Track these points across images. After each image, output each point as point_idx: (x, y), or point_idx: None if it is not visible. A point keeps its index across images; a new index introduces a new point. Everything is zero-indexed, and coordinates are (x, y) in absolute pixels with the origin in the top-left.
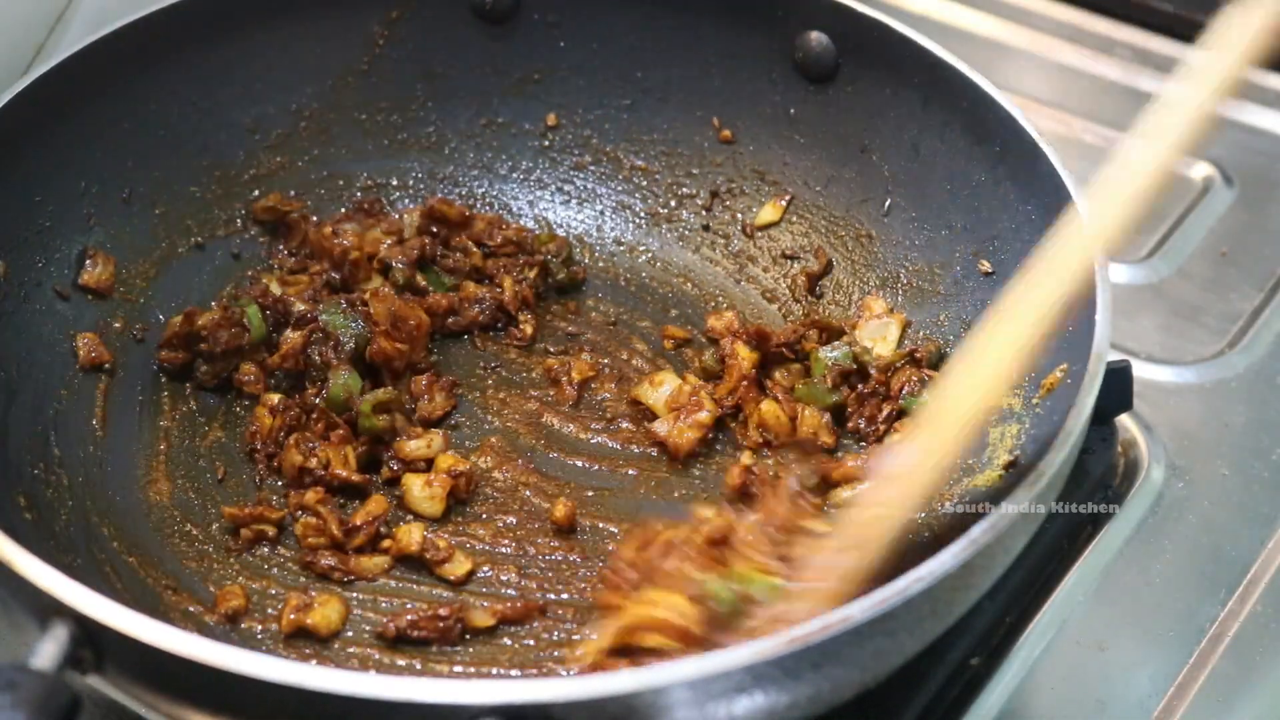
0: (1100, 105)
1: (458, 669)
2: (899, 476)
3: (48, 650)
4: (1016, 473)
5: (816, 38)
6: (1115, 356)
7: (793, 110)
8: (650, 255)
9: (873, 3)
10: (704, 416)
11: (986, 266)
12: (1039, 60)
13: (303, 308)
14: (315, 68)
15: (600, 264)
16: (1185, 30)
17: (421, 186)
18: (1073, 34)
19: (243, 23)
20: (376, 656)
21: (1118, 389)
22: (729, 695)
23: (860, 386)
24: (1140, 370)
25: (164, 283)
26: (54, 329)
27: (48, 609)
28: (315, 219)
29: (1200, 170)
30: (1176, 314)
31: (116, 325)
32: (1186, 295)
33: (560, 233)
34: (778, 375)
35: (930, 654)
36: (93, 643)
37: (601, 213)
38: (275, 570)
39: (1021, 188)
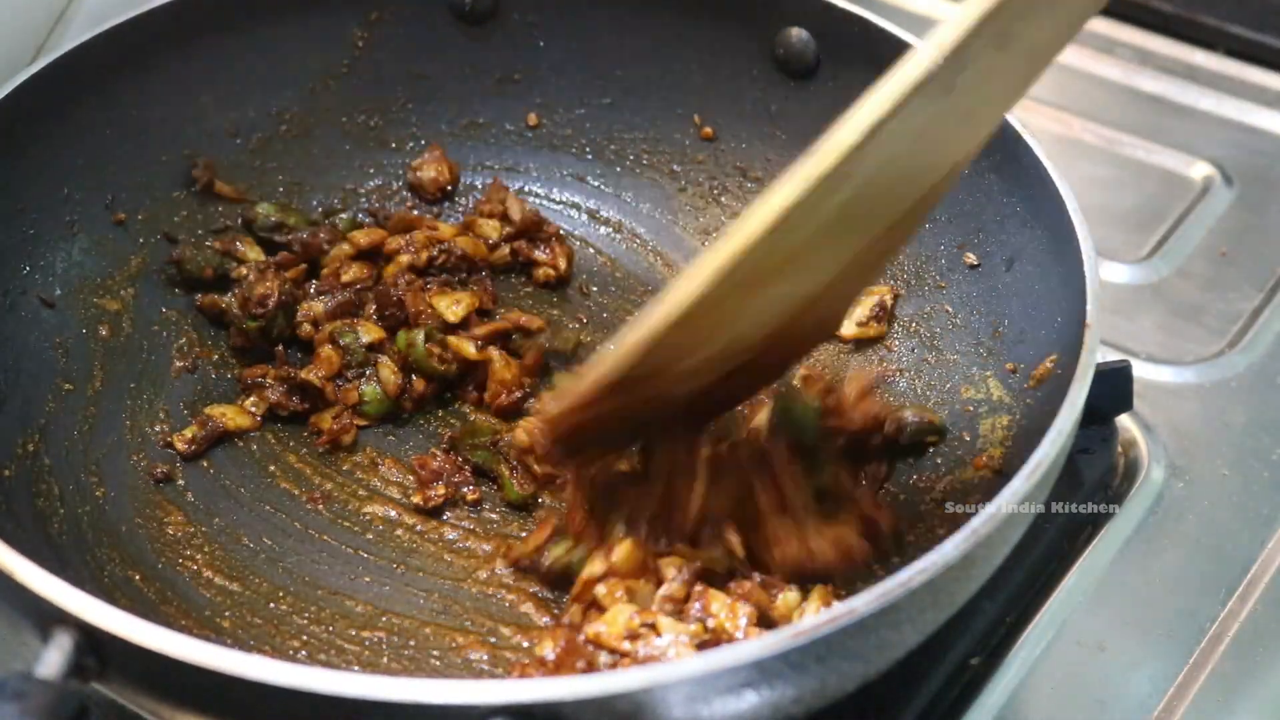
0: (1100, 105)
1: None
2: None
3: (53, 659)
4: (1012, 465)
5: (797, 34)
6: (1115, 356)
7: (774, 107)
8: (634, 252)
9: (870, 3)
10: None
11: (972, 259)
12: None
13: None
14: (295, 70)
15: (586, 261)
16: (1185, 30)
17: (404, 188)
18: None
19: (222, 27)
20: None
21: (1117, 389)
22: (736, 690)
23: None
24: (1140, 370)
25: (147, 288)
26: (40, 337)
27: (50, 618)
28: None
29: (1200, 170)
30: (1176, 314)
31: (103, 333)
32: (1186, 295)
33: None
34: None
35: (930, 654)
36: (96, 650)
37: (583, 211)
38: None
39: (1005, 179)
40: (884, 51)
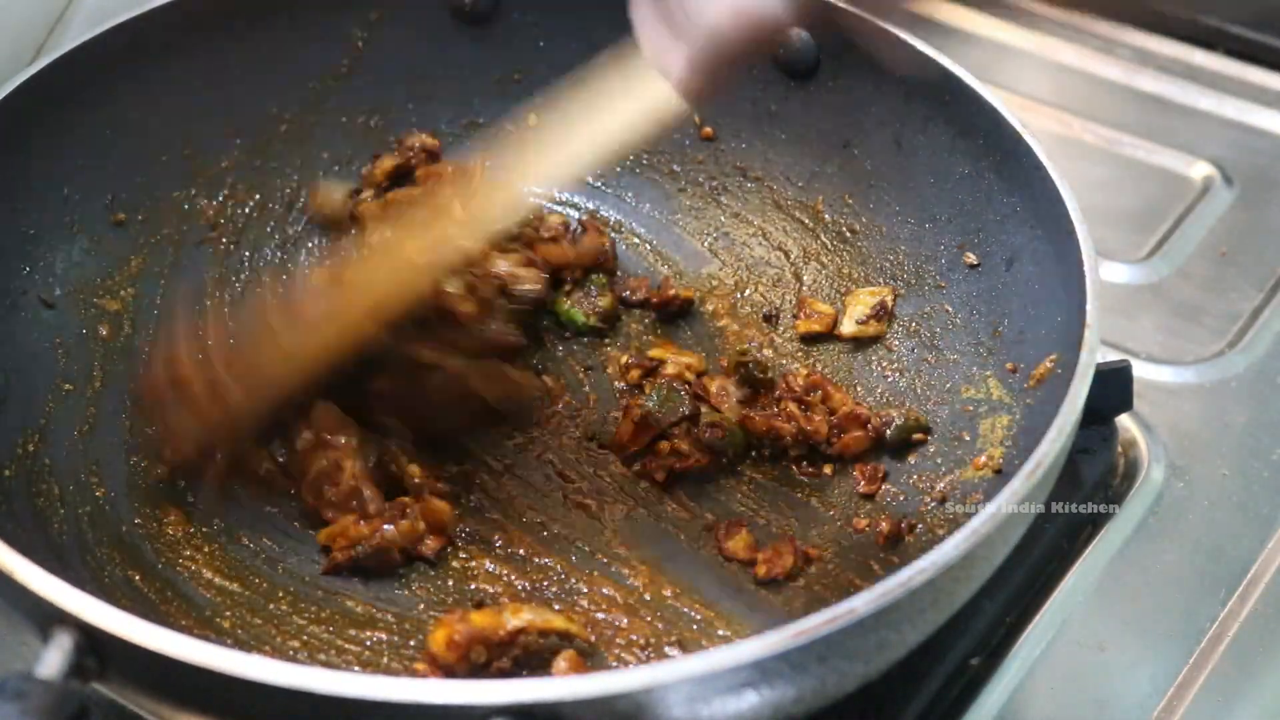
0: (1100, 105)
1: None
2: None
3: (53, 659)
4: (1012, 465)
5: (797, 34)
6: (1115, 356)
7: (774, 107)
8: (634, 251)
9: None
10: None
11: (972, 259)
12: (1039, 60)
13: None
14: (296, 70)
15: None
16: (1185, 30)
17: None
18: (1073, 34)
19: (221, 26)
20: None
21: (1118, 389)
22: (736, 690)
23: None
24: (1140, 370)
25: (147, 288)
26: (40, 338)
27: (50, 618)
28: None
29: (1200, 170)
30: (1176, 314)
31: (103, 333)
32: (1186, 295)
33: None
34: None
35: (930, 654)
36: (96, 650)
37: (583, 211)
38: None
39: (1005, 179)
40: (884, 51)
